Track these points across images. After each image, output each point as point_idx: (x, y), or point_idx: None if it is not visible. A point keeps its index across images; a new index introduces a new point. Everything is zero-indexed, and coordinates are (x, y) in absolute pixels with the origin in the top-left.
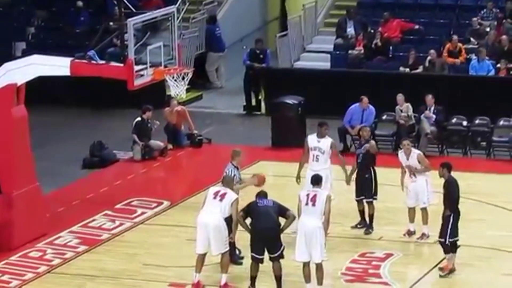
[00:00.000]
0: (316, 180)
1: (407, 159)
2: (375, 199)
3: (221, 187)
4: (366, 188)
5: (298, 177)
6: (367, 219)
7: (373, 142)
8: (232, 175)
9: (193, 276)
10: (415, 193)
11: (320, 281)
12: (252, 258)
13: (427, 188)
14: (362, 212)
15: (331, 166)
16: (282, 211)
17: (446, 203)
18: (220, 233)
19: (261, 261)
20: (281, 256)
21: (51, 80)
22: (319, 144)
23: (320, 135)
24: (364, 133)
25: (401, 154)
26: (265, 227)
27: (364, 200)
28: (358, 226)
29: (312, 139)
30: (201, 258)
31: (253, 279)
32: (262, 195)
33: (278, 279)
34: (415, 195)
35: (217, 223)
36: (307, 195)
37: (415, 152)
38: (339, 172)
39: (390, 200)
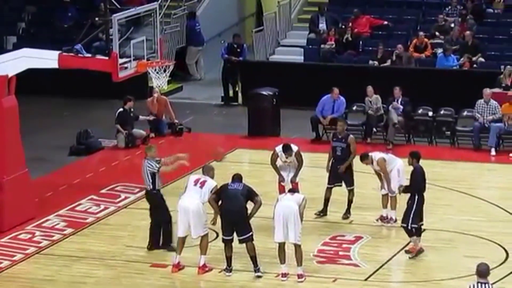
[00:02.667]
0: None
1: (372, 164)
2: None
3: (201, 175)
4: (347, 177)
5: (283, 180)
6: (345, 204)
7: (353, 137)
8: (154, 166)
9: (174, 257)
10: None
11: (299, 262)
12: (222, 239)
13: (398, 178)
14: (327, 201)
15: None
16: (251, 195)
17: (410, 190)
18: (199, 217)
19: (230, 241)
20: (249, 239)
21: (39, 72)
22: (288, 159)
23: (287, 156)
24: (340, 127)
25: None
26: (230, 210)
27: (347, 188)
28: (321, 214)
29: (281, 155)
30: (182, 240)
31: (228, 259)
32: (235, 178)
33: (253, 259)
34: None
35: (196, 208)
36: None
37: (375, 159)
38: (312, 159)
39: (359, 186)
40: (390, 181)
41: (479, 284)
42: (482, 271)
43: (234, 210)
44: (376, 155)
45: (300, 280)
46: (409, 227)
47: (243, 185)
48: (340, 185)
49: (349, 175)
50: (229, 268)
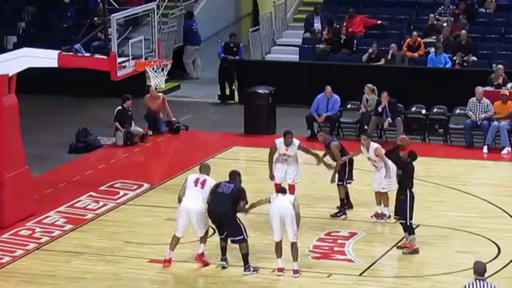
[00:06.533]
0: (232, 176)
1: (367, 151)
2: (348, 183)
3: (200, 174)
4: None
5: (272, 177)
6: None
7: (334, 144)
8: None
9: (167, 252)
10: (378, 179)
11: (295, 258)
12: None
13: (388, 175)
14: (346, 194)
15: (298, 161)
16: (238, 199)
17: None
18: (202, 217)
19: (225, 238)
20: (240, 241)
21: (39, 71)
22: (287, 151)
23: (286, 144)
24: (320, 138)
25: (361, 146)
26: (215, 212)
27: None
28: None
29: (280, 146)
30: (177, 240)
31: (223, 249)
32: (231, 176)
33: (244, 256)
34: (378, 181)
35: (200, 209)
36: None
37: (373, 147)
38: (307, 156)
39: (354, 183)
40: (389, 168)
41: (477, 281)
42: (479, 269)
43: (218, 212)
44: (374, 144)
45: (295, 275)
46: (408, 223)
47: (234, 186)
48: (350, 182)
49: (341, 172)
50: (223, 258)
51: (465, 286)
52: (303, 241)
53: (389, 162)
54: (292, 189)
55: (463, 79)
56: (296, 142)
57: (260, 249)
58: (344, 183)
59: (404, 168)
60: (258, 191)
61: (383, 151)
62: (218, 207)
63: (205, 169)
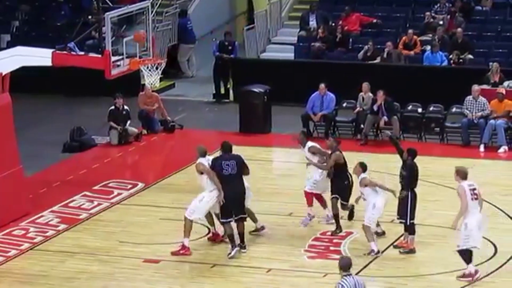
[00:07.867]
0: (229, 148)
1: (358, 178)
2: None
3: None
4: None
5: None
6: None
7: (335, 155)
8: None
9: (185, 241)
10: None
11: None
12: (224, 223)
13: (372, 211)
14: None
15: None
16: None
17: (404, 184)
18: None
19: (231, 221)
20: (245, 219)
21: (34, 70)
22: (304, 152)
23: (302, 145)
24: (328, 142)
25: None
26: (231, 196)
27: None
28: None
29: (302, 149)
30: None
31: (231, 237)
32: (224, 150)
33: (242, 235)
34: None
35: None
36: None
37: (361, 177)
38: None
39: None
40: (384, 186)
41: (346, 277)
42: (345, 264)
43: (234, 197)
44: (363, 174)
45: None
46: (408, 223)
47: (236, 163)
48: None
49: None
50: (243, 245)
51: (339, 285)
52: (299, 241)
53: (378, 183)
54: (307, 196)
55: (459, 77)
56: (309, 144)
57: (257, 249)
58: (348, 204)
59: (408, 170)
60: (254, 190)
61: (370, 180)
62: (235, 191)
63: (200, 152)
